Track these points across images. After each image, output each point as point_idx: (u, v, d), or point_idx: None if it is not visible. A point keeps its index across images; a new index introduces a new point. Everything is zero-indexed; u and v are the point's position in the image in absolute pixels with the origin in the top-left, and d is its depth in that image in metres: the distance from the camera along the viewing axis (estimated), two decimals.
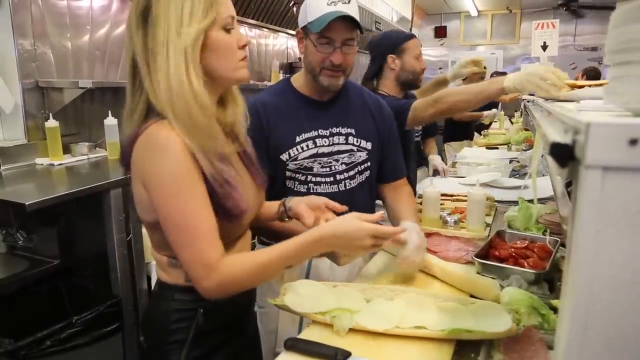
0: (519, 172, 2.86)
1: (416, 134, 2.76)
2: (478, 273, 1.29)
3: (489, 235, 1.55)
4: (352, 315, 1.03)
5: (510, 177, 2.67)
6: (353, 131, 1.43)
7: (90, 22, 2.49)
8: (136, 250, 2.04)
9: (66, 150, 2.28)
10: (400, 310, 1.04)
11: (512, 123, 5.33)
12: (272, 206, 1.20)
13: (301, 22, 1.35)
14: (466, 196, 1.73)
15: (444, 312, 1.03)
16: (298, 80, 1.44)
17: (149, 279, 2.11)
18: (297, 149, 1.36)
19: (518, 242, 1.41)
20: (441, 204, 1.78)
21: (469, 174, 2.79)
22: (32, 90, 2.20)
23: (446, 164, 3.08)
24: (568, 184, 0.84)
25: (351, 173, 1.42)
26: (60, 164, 2.19)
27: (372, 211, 1.47)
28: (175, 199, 0.85)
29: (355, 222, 0.97)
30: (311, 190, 1.38)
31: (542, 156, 1.81)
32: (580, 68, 5.19)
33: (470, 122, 4.66)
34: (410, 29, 6.80)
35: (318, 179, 1.39)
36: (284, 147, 1.36)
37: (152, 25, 0.87)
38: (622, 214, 0.39)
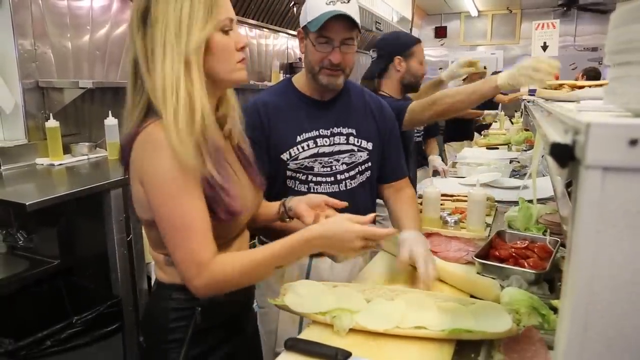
0: (519, 172, 2.86)
1: (418, 134, 2.76)
2: (478, 273, 1.29)
3: (489, 236, 1.55)
4: (353, 315, 1.03)
5: (510, 177, 2.67)
6: (354, 131, 1.43)
7: (91, 22, 2.49)
8: (136, 251, 2.04)
9: (66, 150, 2.29)
10: (401, 311, 1.04)
11: (512, 123, 5.34)
12: (272, 207, 1.20)
13: (302, 21, 1.36)
14: (466, 196, 1.73)
15: (444, 312, 1.03)
16: (299, 80, 1.44)
17: (149, 279, 2.11)
18: (297, 149, 1.36)
19: (518, 243, 1.41)
20: (441, 204, 1.78)
21: (469, 174, 2.78)
22: (32, 90, 2.20)
23: (446, 164, 3.07)
24: (568, 184, 0.84)
25: (352, 173, 1.42)
26: (61, 164, 2.19)
27: (373, 211, 1.47)
28: (172, 198, 0.86)
29: (345, 224, 0.96)
30: (312, 190, 1.38)
31: (542, 156, 1.81)
32: (580, 68, 5.18)
33: (471, 122, 4.66)
34: (411, 29, 6.80)
35: (319, 178, 1.39)
36: (285, 146, 1.36)
37: (151, 27, 0.88)
38: (622, 214, 0.39)
